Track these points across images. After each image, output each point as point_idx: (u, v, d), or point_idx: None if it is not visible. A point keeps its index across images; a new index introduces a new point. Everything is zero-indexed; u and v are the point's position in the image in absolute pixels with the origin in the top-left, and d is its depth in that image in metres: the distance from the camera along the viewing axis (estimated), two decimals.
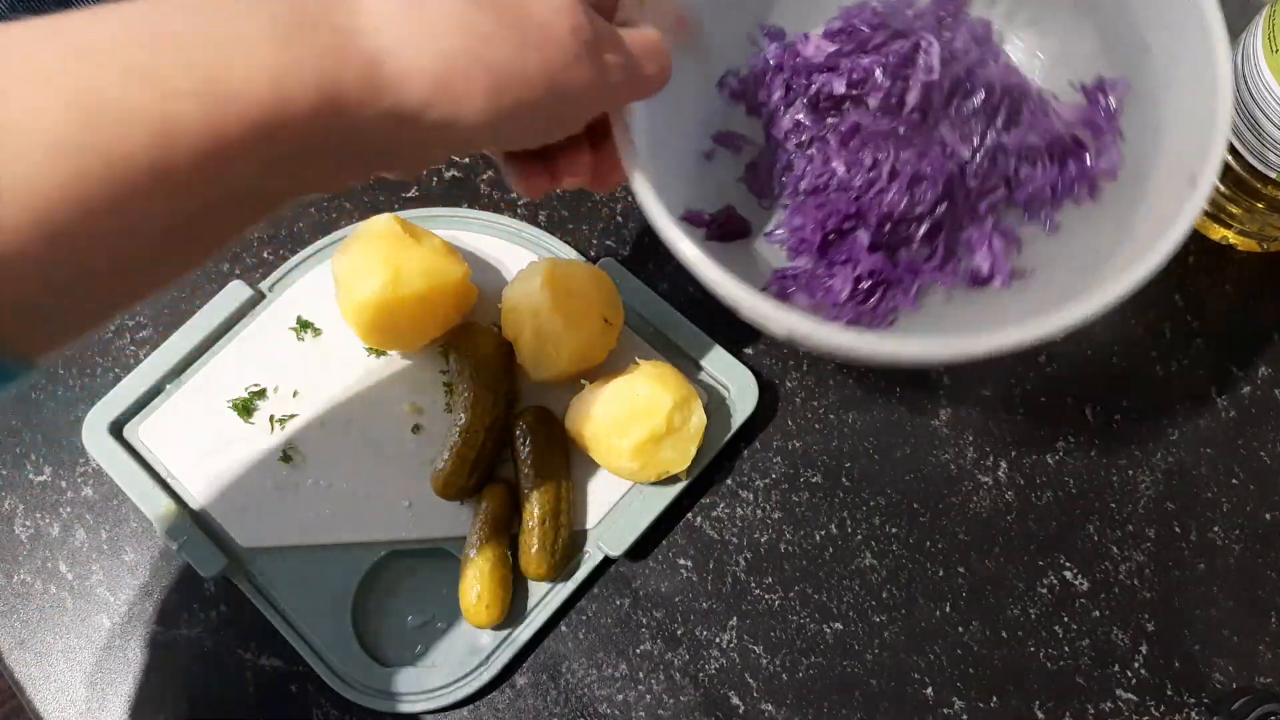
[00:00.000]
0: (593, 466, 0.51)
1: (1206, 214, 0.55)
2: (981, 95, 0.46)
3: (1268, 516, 0.51)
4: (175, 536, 0.51)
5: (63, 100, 0.25)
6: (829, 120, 0.49)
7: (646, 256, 0.57)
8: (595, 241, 0.58)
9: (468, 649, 0.50)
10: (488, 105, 0.32)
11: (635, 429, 0.48)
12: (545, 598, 0.50)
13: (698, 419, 0.50)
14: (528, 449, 0.50)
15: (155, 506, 0.51)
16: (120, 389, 0.53)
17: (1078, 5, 0.46)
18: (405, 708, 0.49)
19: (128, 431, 0.53)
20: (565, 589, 0.50)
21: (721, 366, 0.53)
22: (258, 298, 0.55)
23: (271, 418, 0.53)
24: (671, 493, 0.51)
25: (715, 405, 0.53)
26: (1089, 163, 0.45)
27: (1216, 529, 0.51)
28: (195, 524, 0.51)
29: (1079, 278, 0.41)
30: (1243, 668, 0.49)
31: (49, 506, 0.54)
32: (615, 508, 0.51)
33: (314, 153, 0.30)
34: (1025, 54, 0.49)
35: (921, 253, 0.47)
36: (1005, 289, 0.45)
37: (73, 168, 0.25)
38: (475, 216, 0.57)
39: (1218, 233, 0.55)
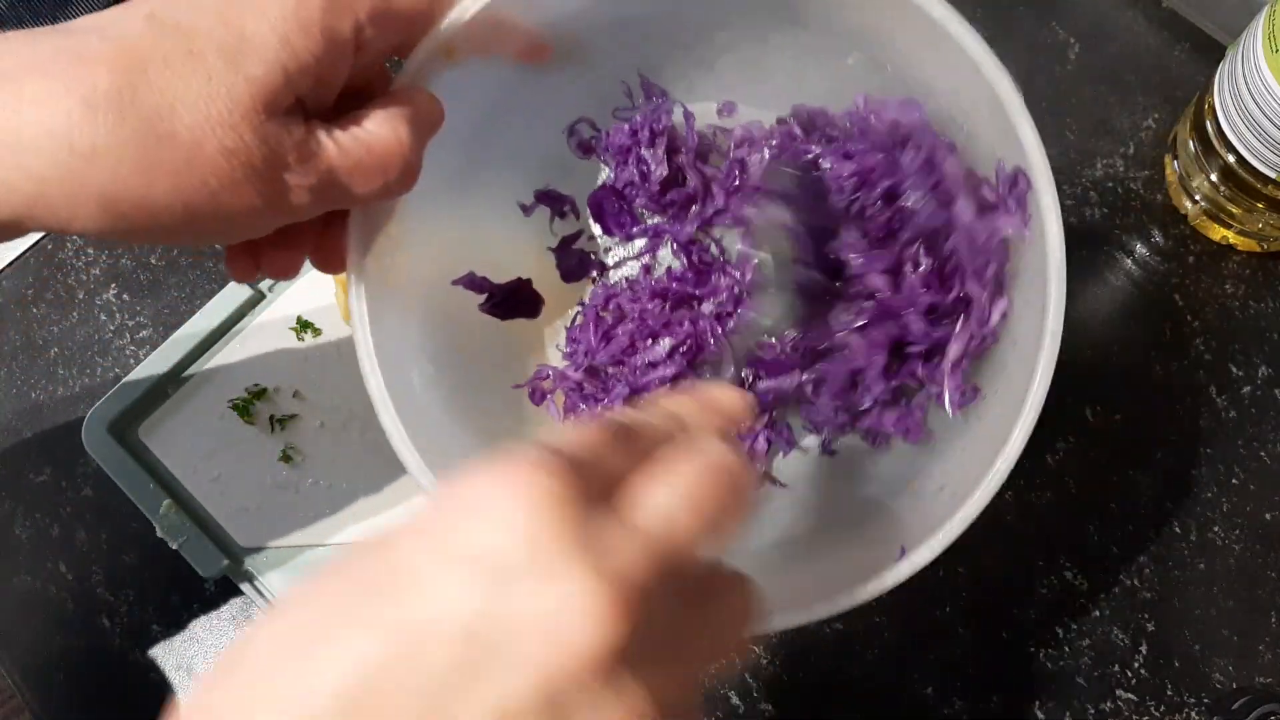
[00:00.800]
0: None
1: (1206, 214, 0.55)
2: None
3: (1268, 516, 0.51)
4: (175, 536, 0.51)
5: None
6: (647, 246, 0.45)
7: None
8: None
9: None
10: (102, 223, 0.28)
11: None
12: None
13: None
14: None
15: (155, 506, 0.51)
16: (120, 389, 0.53)
17: None
18: None
19: (128, 432, 0.53)
20: None
21: None
22: (258, 298, 0.55)
23: (271, 418, 0.53)
24: None
25: None
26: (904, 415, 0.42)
27: (1216, 529, 0.51)
28: (195, 524, 0.51)
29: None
30: (1243, 668, 0.49)
31: (49, 507, 0.54)
32: None
33: None
34: None
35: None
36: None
37: None
38: None
39: (1218, 233, 0.55)
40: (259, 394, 0.54)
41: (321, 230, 0.35)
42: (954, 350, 0.39)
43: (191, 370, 0.54)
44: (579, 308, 0.47)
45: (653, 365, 0.44)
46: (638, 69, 0.43)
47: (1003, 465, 0.34)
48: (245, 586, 0.51)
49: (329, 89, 0.30)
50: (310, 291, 0.55)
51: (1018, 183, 0.36)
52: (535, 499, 0.21)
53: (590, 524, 0.21)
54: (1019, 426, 0.34)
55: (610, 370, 0.45)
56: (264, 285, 0.56)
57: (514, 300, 0.45)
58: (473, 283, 0.44)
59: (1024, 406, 0.34)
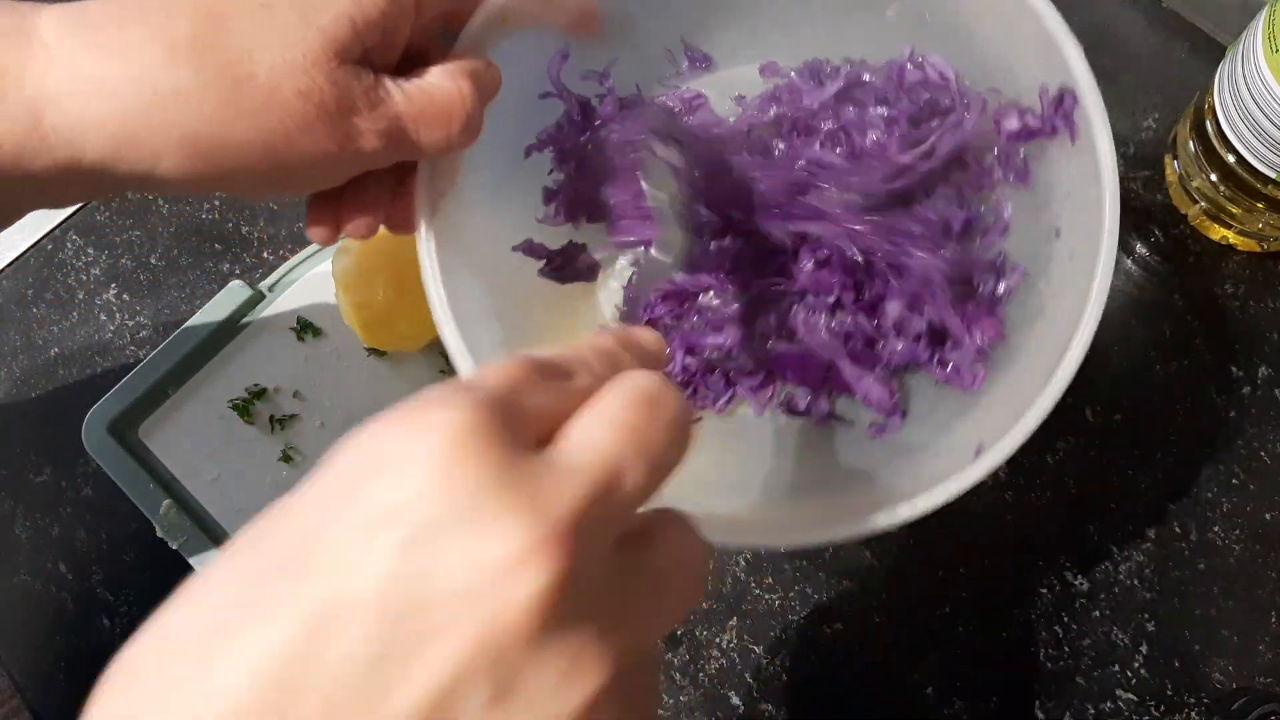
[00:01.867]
0: None
1: (1206, 214, 0.55)
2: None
3: (1268, 516, 0.51)
4: (175, 536, 0.51)
5: None
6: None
7: None
8: None
9: None
10: (185, 166, 0.29)
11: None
12: None
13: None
14: None
15: (155, 506, 0.51)
16: (120, 389, 0.53)
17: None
18: None
19: (128, 432, 0.53)
20: None
21: None
22: (258, 298, 0.55)
23: (271, 418, 0.53)
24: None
25: None
26: (953, 356, 0.42)
27: (1216, 529, 0.51)
28: (195, 524, 0.51)
29: (885, 451, 0.41)
30: (1243, 668, 0.49)
31: (49, 507, 0.54)
32: None
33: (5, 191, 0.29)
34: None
35: (745, 370, 0.45)
36: (822, 426, 0.44)
37: None
38: None
39: (1218, 233, 0.55)
40: (259, 394, 0.54)
41: (393, 190, 0.36)
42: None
43: (192, 370, 0.54)
44: (634, 268, 0.47)
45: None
46: (681, 36, 0.45)
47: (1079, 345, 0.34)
48: None
49: (394, 46, 0.32)
50: (311, 293, 0.56)
51: (1063, 101, 0.37)
52: (447, 439, 0.19)
53: (514, 462, 0.19)
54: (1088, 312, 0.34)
55: (668, 324, 0.45)
56: (264, 285, 0.56)
57: (571, 265, 0.45)
58: (531, 249, 0.44)
59: (1088, 299, 0.34)
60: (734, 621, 0.51)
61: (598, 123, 0.43)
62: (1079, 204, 0.37)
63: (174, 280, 0.58)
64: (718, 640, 0.50)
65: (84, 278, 0.59)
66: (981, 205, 0.42)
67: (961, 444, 0.36)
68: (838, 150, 0.43)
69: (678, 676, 0.50)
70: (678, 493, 0.24)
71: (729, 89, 0.46)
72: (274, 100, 0.28)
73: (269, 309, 0.55)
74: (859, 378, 0.42)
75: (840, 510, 0.35)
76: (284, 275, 0.56)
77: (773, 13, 0.44)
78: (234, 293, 0.55)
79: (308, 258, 0.56)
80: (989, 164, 0.41)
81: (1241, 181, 0.51)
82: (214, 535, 0.51)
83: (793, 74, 0.45)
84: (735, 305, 0.43)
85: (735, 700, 0.49)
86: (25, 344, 0.58)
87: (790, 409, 0.44)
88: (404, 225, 0.37)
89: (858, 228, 0.41)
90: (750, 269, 0.43)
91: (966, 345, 0.41)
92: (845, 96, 0.43)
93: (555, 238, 0.45)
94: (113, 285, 0.59)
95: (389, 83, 0.31)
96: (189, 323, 0.55)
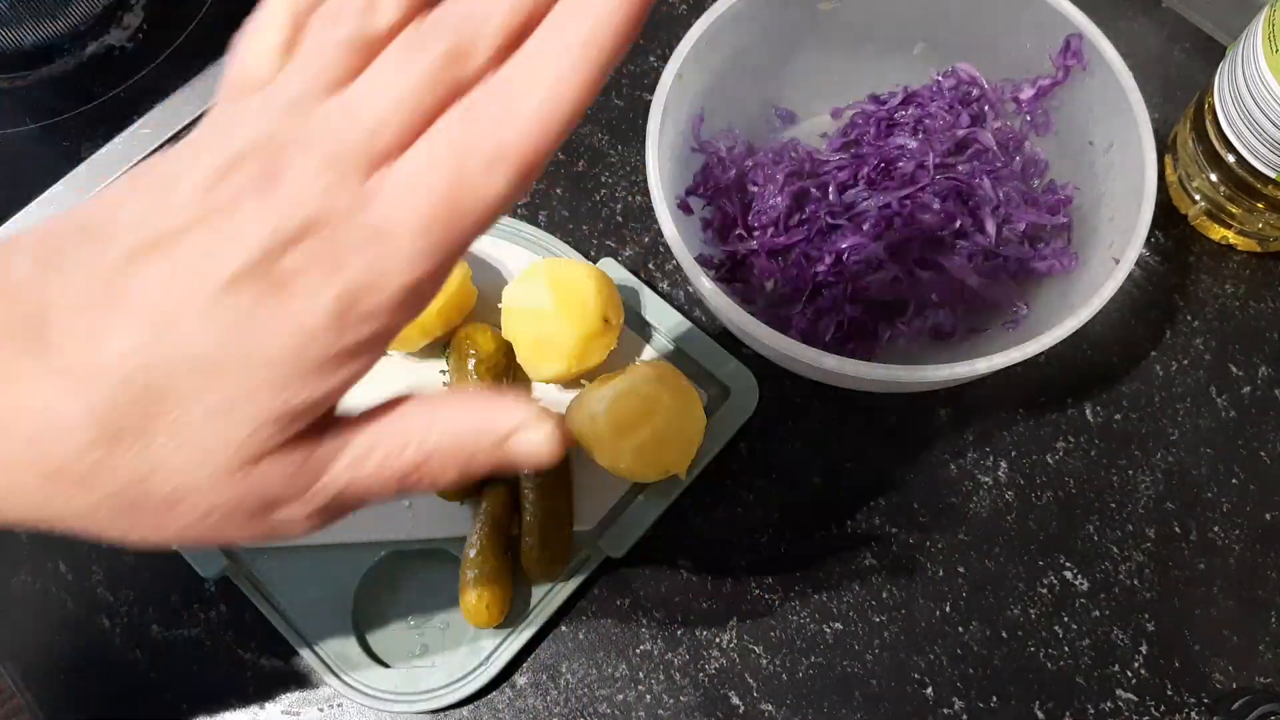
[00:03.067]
0: (593, 467, 0.51)
1: (1206, 214, 0.55)
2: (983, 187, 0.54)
3: (1268, 516, 0.51)
4: None
5: None
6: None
7: (646, 257, 0.57)
8: (595, 241, 0.58)
9: (468, 649, 0.50)
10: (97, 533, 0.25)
11: (636, 430, 0.48)
12: (545, 598, 0.50)
13: (698, 420, 0.49)
14: None
15: None
16: None
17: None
18: (404, 708, 0.49)
19: None
20: (565, 589, 0.50)
21: (721, 367, 0.53)
22: None
23: None
24: (672, 494, 0.51)
25: (715, 405, 0.53)
26: (1047, 250, 0.53)
27: (1216, 529, 0.51)
28: None
29: (1022, 333, 0.50)
30: (1243, 668, 0.49)
31: None
32: (616, 509, 0.51)
33: None
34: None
35: (894, 309, 0.53)
36: (964, 341, 0.53)
37: None
38: None
39: (1218, 233, 0.55)
40: None
41: None
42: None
43: None
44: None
45: None
46: (768, 101, 0.57)
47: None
48: (245, 587, 0.51)
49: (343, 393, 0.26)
50: None
51: (1069, 45, 0.50)
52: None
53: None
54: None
55: (831, 280, 0.55)
56: None
57: (735, 270, 0.54)
58: (702, 260, 0.52)
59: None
60: (734, 621, 0.51)
61: (732, 167, 0.55)
62: (1102, 115, 0.49)
63: None
64: (718, 640, 0.50)
65: None
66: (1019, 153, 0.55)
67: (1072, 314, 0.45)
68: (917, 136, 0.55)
69: (678, 676, 0.50)
70: None
71: (813, 132, 0.58)
72: (175, 514, 0.25)
73: None
74: (985, 286, 0.52)
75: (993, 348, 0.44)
76: None
77: (830, 68, 0.56)
78: None
79: None
80: (1021, 129, 0.55)
81: (1241, 181, 0.51)
82: None
83: (860, 105, 0.58)
84: (885, 243, 0.53)
85: (735, 700, 0.49)
86: None
87: (938, 334, 0.53)
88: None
89: (950, 173, 0.53)
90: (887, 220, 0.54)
91: (1053, 239, 0.53)
92: (905, 103, 0.57)
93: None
94: None
95: (332, 446, 0.26)
96: None
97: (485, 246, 0.56)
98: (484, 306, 0.54)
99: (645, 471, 0.49)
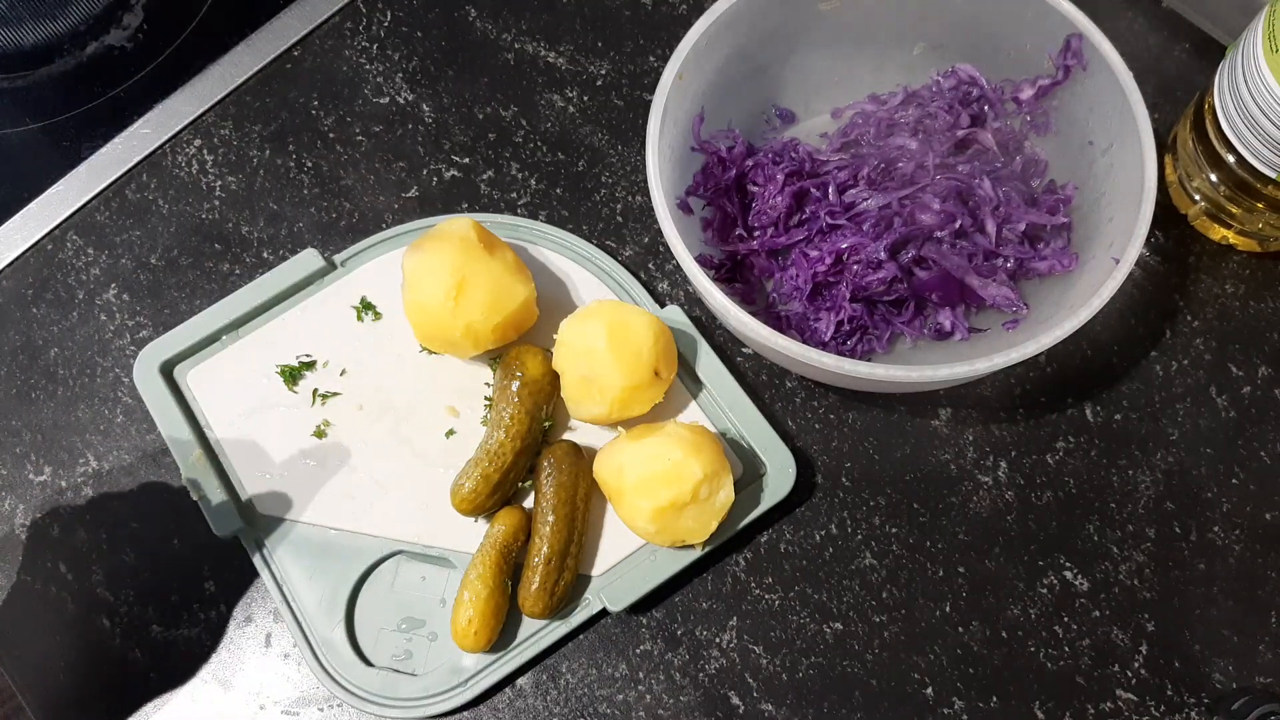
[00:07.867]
0: (611, 513, 0.51)
1: (1206, 214, 0.55)
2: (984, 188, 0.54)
3: (1268, 516, 0.51)
4: (196, 489, 0.51)
5: None
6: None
7: (646, 257, 0.57)
8: (595, 241, 0.58)
9: (450, 667, 0.49)
10: None
11: (660, 492, 0.47)
12: (536, 635, 0.49)
13: (725, 494, 0.48)
14: (550, 483, 0.49)
15: (186, 453, 0.52)
16: (179, 330, 0.54)
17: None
18: (375, 710, 0.49)
19: (177, 372, 0.54)
20: (557, 630, 0.49)
21: (763, 441, 0.51)
22: (328, 268, 0.56)
23: (315, 391, 0.54)
24: (684, 560, 0.50)
25: (748, 480, 0.51)
26: (1047, 250, 0.53)
27: (1216, 529, 0.51)
28: (219, 480, 0.52)
29: (1022, 334, 0.51)
30: (1243, 668, 0.49)
31: (49, 506, 0.54)
32: (624, 561, 0.50)
33: None
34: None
35: (895, 308, 0.54)
36: (964, 341, 0.53)
37: None
38: (550, 233, 0.57)
39: (1218, 233, 0.55)
40: (308, 364, 0.54)
41: None
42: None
43: (249, 327, 0.55)
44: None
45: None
46: (769, 100, 0.58)
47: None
48: (253, 552, 0.51)
49: None
50: (381, 273, 0.56)
51: (1069, 45, 0.50)
52: None
53: None
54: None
55: (831, 280, 0.55)
56: (338, 257, 0.56)
57: (735, 270, 0.55)
58: (702, 260, 0.51)
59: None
60: (734, 621, 0.51)
61: (732, 167, 0.55)
62: (1102, 116, 0.49)
63: (174, 280, 0.58)
64: (718, 640, 0.50)
65: (84, 278, 0.59)
66: (1019, 155, 0.55)
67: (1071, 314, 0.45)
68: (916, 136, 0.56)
69: (678, 676, 0.50)
70: None
71: (813, 132, 0.58)
72: None
73: (336, 283, 0.56)
74: (984, 286, 0.52)
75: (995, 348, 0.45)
76: (358, 252, 0.56)
77: (830, 68, 0.57)
78: (306, 260, 0.55)
79: (383, 240, 0.57)
80: (1020, 128, 0.55)
81: (1241, 181, 0.51)
82: (234, 493, 0.52)
83: (859, 105, 0.58)
84: (885, 243, 0.52)
85: (735, 700, 0.49)
86: (25, 344, 0.58)
87: (939, 333, 0.53)
88: None
89: (950, 174, 0.53)
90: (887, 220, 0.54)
91: (1053, 238, 0.53)
92: (906, 103, 0.57)
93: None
94: (113, 285, 0.59)
95: None
96: (257, 280, 0.55)
97: (560, 269, 0.56)
98: (544, 325, 0.53)
99: (660, 536, 0.48)
